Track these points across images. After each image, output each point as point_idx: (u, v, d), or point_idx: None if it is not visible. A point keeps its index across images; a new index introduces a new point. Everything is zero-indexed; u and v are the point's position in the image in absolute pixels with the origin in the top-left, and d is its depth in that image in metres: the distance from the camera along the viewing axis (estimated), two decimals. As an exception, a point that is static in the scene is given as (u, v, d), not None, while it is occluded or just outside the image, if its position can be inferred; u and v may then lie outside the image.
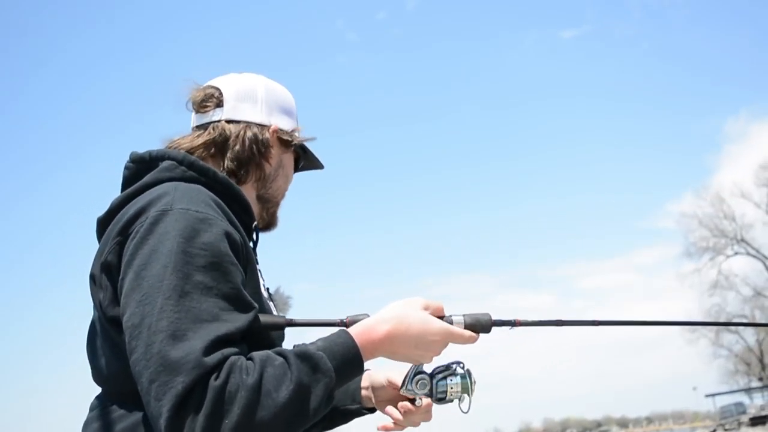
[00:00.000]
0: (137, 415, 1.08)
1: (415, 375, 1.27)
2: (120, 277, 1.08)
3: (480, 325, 1.23)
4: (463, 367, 1.28)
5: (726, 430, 39.36)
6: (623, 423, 69.31)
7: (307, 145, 1.50)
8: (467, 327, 1.22)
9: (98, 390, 1.22)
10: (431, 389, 1.27)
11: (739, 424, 38.92)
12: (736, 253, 37.55)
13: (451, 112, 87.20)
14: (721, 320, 38.53)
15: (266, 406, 0.95)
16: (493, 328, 1.25)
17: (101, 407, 1.15)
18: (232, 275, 1.07)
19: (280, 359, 1.01)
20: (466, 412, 1.27)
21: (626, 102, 73.80)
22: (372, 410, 1.48)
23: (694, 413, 62.17)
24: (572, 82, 76.71)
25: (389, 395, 1.42)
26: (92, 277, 1.17)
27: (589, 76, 74.54)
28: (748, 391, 45.37)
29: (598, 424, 71.57)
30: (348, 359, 1.08)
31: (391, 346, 1.14)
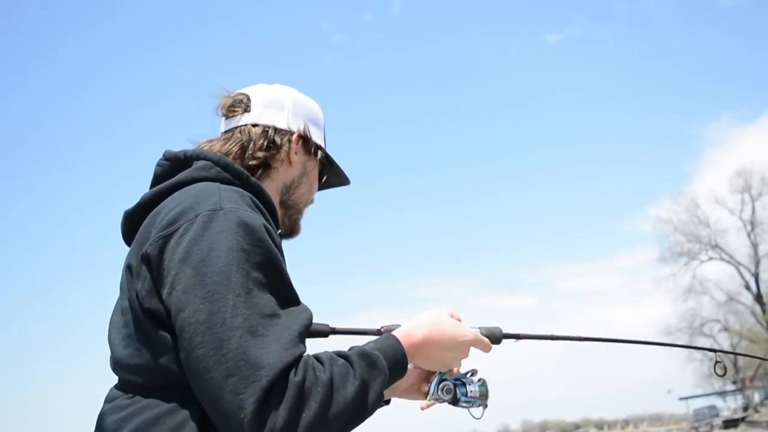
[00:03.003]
0: (162, 407, 1.08)
1: (440, 382, 1.36)
2: (173, 273, 1.06)
3: (494, 337, 1.38)
4: (476, 375, 1.39)
5: (699, 432, 39.88)
6: (600, 425, 69.69)
7: (335, 159, 1.52)
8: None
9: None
10: (454, 395, 1.35)
11: (712, 426, 39.41)
12: (711, 259, 38.18)
13: (436, 115, 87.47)
14: (695, 324, 39.12)
15: (337, 402, 1.00)
16: (503, 341, 1.39)
17: (123, 398, 1.13)
18: (285, 272, 1.12)
19: (342, 359, 1.07)
20: (478, 418, 1.39)
21: (610, 106, 74.60)
22: (387, 402, 1.51)
23: (671, 415, 62.82)
24: (556, 86, 77.30)
25: (413, 376, 1.44)
26: (129, 268, 1.17)
27: (574, 80, 75.10)
28: (721, 394, 45.97)
29: (576, 426, 71.97)
30: (397, 359, 1.16)
31: (428, 348, 1.24)
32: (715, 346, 41.38)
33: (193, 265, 1.04)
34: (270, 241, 1.10)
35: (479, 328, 1.36)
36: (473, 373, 1.39)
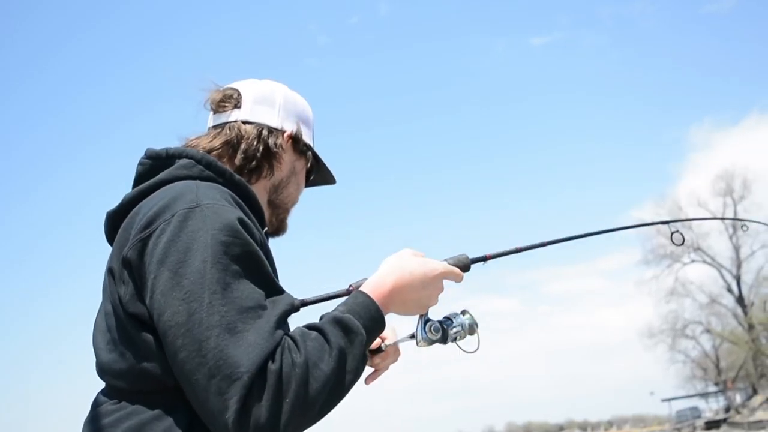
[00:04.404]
0: (148, 413, 1.06)
1: (425, 323, 1.29)
2: (151, 276, 1.05)
3: (462, 265, 1.33)
4: (464, 313, 1.33)
5: (681, 433, 40.17)
6: (584, 427, 69.91)
7: (322, 158, 1.51)
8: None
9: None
10: (443, 333, 1.30)
11: (695, 428, 39.75)
12: (693, 261, 38.51)
13: (422, 117, 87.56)
14: (678, 326, 39.43)
15: (317, 377, 0.99)
16: (472, 266, 1.36)
17: (108, 403, 1.12)
18: (264, 263, 1.09)
19: (314, 332, 1.05)
20: (473, 351, 1.33)
21: (594, 109, 74.94)
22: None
23: (654, 417, 63.28)
24: (541, 89, 77.74)
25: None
26: (110, 272, 1.15)
27: (559, 83, 75.65)
28: (704, 395, 46.40)
29: (560, 428, 72.07)
30: (371, 316, 1.12)
31: (401, 294, 1.19)
32: (698, 348, 41.98)
33: (170, 266, 1.03)
34: (247, 234, 1.09)
35: (445, 260, 1.32)
36: (464, 312, 1.34)
